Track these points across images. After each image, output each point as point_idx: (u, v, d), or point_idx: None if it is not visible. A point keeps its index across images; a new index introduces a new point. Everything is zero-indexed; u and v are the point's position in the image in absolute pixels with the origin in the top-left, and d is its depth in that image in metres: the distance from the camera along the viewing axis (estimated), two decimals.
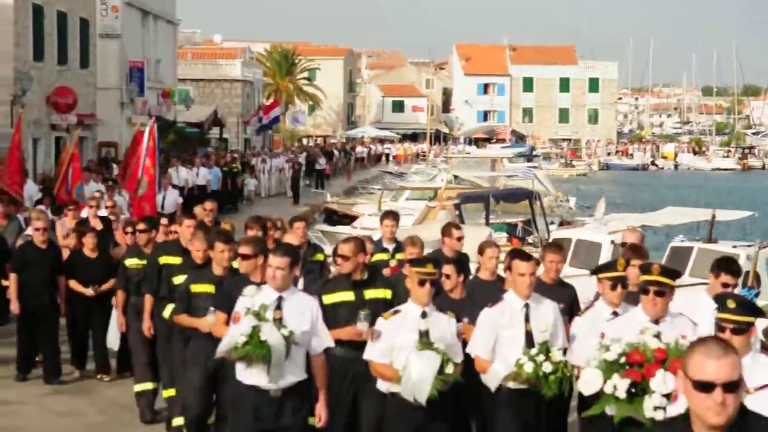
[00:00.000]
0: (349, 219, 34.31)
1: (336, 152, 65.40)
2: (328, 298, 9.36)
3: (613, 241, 19.88)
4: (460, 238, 11.89)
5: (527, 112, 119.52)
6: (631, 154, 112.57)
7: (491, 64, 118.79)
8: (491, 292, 9.70)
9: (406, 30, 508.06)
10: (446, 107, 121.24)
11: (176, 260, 11.52)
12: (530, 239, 25.83)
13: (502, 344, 8.65)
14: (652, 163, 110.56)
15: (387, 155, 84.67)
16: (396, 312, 8.50)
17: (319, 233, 28.06)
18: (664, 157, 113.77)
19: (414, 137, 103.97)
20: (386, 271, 11.85)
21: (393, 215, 13.89)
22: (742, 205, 40.95)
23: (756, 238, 26.14)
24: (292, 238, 12.28)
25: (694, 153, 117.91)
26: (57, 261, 14.30)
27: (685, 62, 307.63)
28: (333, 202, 39.45)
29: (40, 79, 34.85)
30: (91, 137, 39.95)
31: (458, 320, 8.90)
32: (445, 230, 12.01)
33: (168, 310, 10.93)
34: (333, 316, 9.18)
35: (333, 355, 9.09)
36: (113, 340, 13.87)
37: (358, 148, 77.37)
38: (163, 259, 11.79)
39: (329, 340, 8.63)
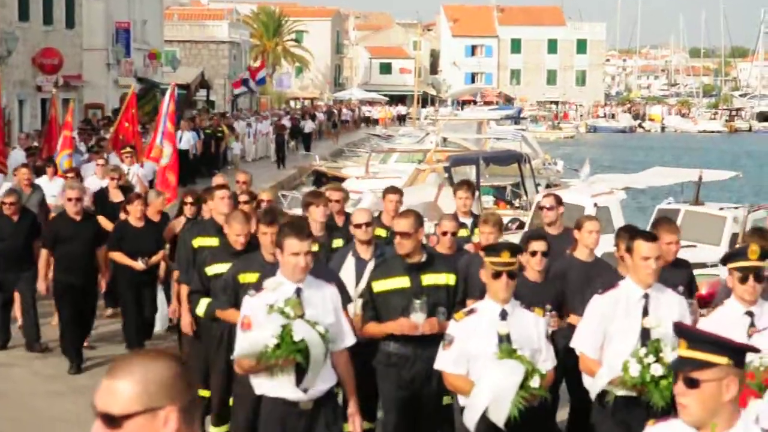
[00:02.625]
0: (338, 181, 34.29)
1: (320, 115, 64.96)
2: (380, 285, 8.06)
3: (596, 204, 19.90)
4: (591, 231, 9.61)
5: (515, 74, 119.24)
6: (604, 116, 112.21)
7: (479, 26, 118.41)
8: (589, 274, 8.66)
9: None
10: (434, 69, 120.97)
11: (213, 242, 9.98)
12: (518, 203, 25.88)
13: (612, 341, 7.16)
14: (639, 125, 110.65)
15: (368, 118, 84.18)
16: (470, 312, 7.05)
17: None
18: (651, 119, 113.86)
19: (402, 99, 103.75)
20: (469, 247, 10.45)
21: (468, 185, 12.00)
22: (729, 167, 41.04)
23: (743, 201, 26.28)
24: (385, 216, 10.79)
25: (682, 115, 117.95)
26: (95, 233, 13.03)
27: (673, 23, 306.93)
28: (321, 165, 39.42)
29: (25, 40, 34.67)
30: (77, 98, 39.81)
31: (544, 311, 7.54)
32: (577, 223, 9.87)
33: (202, 306, 9.21)
34: (385, 306, 7.96)
35: (386, 352, 8.00)
36: (161, 322, 13.34)
37: (344, 111, 77.20)
38: (197, 241, 10.30)
39: (351, 335, 7.29)
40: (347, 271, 9.01)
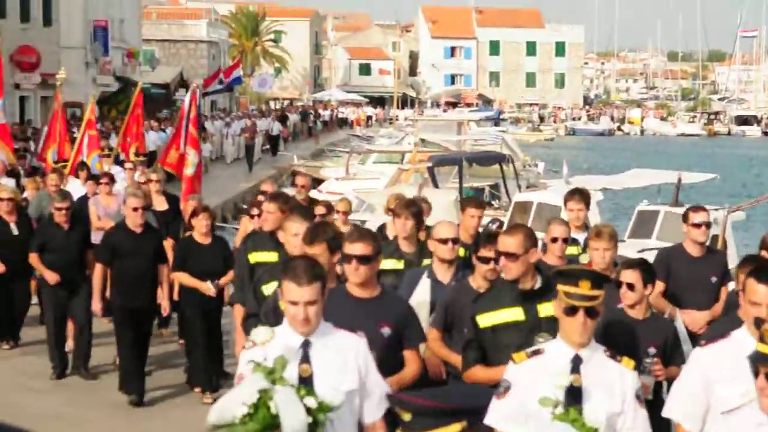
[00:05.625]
0: (316, 183, 34.20)
1: (293, 116, 64.17)
2: (487, 319, 6.56)
3: None
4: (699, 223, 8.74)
5: (494, 76, 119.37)
6: (574, 119, 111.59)
7: (458, 27, 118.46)
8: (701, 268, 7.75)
9: None
10: (413, 70, 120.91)
11: (271, 257, 8.71)
12: (497, 203, 25.83)
13: (718, 407, 5.25)
14: (618, 128, 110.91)
15: (344, 120, 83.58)
16: (535, 353, 5.48)
17: None
18: (630, 122, 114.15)
19: (381, 101, 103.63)
20: None
21: (580, 195, 10.02)
22: (707, 170, 41.10)
23: (722, 203, 26.30)
24: (462, 232, 8.78)
25: (662, 119, 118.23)
26: (158, 248, 11.61)
27: (651, 27, 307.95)
28: (300, 165, 39.29)
29: (2, 36, 34.41)
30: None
31: (645, 359, 6.44)
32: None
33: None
34: (495, 345, 6.47)
35: None
36: None
37: (321, 112, 76.87)
38: (254, 257, 9.11)
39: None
40: (421, 296, 7.79)
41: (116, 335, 11.48)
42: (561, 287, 5.44)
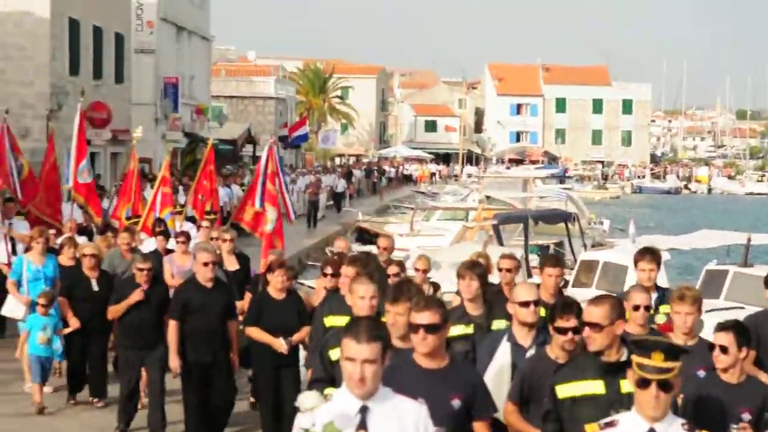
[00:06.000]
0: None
1: (357, 172, 64.33)
2: (567, 389, 6.31)
3: None
4: None
5: (560, 133, 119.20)
6: (639, 177, 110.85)
7: (524, 84, 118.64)
8: None
9: (438, 49, 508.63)
10: (478, 127, 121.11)
11: (344, 321, 7.80)
12: None
13: None
14: (686, 186, 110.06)
15: (408, 176, 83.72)
16: (609, 425, 5.32)
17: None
18: (697, 181, 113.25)
19: (446, 157, 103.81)
20: None
21: (652, 254, 9.84)
22: None
23: None
24: (543, 292, 8.69)
25: (729, 177, 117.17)
26: (228, 303, 11.51)
27: (719, 85, 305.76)
28: (365, 221, 39.39)
29: (75, 94, 35.04)
30: (126, 153, 40.14)
31: (733, 425, 6.31)
32: None
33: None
34: (571, 417, 6.23)
35: None
36: None
37: (387, 168, 77.09)
38: (330, 321, 8.86)
39: None
40: (502, 360, 7.58)
41: (183, 394, 11.32)
42: (634, 358, 5.30)
